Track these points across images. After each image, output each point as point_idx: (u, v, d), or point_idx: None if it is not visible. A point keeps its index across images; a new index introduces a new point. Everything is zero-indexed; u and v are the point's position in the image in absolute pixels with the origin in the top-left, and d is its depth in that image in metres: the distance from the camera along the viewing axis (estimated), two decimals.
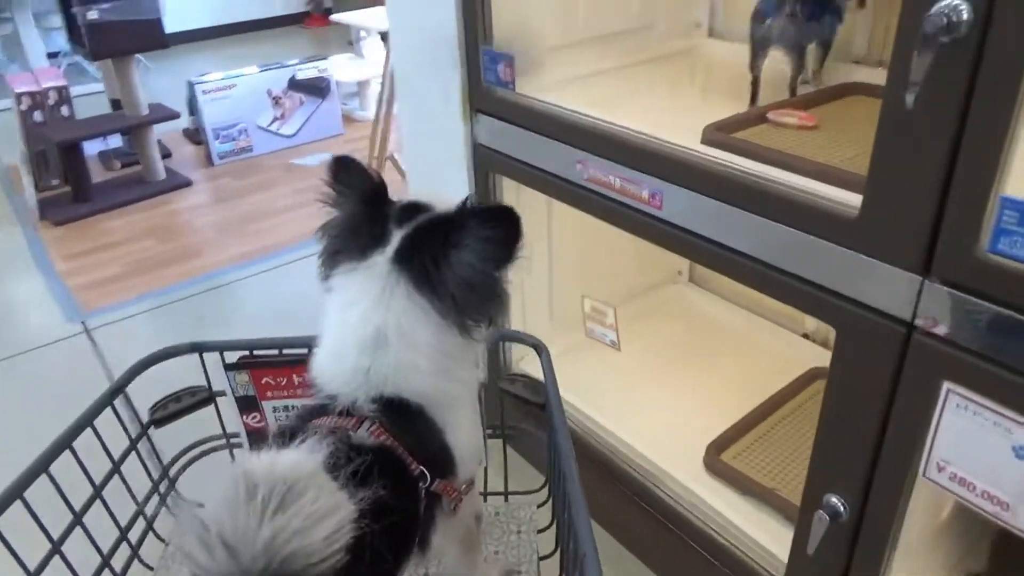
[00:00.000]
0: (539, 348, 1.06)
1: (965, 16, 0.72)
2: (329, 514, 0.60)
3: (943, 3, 0.73)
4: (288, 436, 0.73)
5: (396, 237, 0.83)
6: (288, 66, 3.94)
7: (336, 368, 0.83)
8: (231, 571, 0.56)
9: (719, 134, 1.15)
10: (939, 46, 0.74)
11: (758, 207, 1.02)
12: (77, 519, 0.93)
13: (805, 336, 1.85)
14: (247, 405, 1.07)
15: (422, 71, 1.59)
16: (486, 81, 1.43)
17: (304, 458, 0.65)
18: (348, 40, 5.54)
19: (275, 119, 3.90)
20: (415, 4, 1.54)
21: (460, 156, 1.58)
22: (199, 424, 1.12)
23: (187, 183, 3.56)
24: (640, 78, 1.58)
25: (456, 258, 0.81)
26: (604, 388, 1.67)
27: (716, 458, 1.49)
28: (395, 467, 0.78)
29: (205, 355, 1.07)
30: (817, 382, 1.69)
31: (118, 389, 0.99)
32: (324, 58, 4.03)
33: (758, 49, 1.35)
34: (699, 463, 1.49)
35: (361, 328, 0.81)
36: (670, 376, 1.73)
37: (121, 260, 2.89)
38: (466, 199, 0.84)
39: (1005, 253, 0.77)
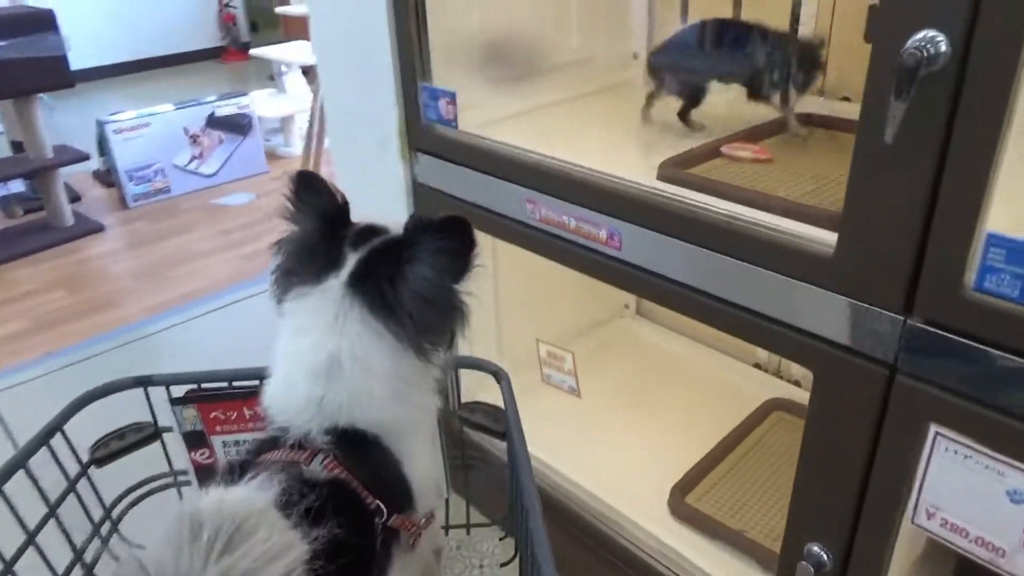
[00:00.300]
0: (499, 375, 1.03)
1: (943, 48, 0.69)
2: (280, 555, 0.57)
3: (919, 36, 0.70)
4: (238, 472, 0.70)
5: (351, 260, 0.81)
6: (206, 103, 3.78)
7: (288, 398, 0.80)
8: None
9: (675, 170, 1.11)
10: (916, 80, 0.71)
11: (726, 247, 0.97)
12: (7, 568, 0.88)
13: (757, 366, 1.82)
14: (195, 441, 1.04)
15: (355, 108, 1.51)
16: (426, 119, 1.36)
17: (254, 495, 0.63)
18: (269, 75, 5.40)
19: (193, 158, 3.73)
20: (345, 40, 1.46)
21: (400, 196, 1.50)
22: (145, 462, 1.06)
23: (99, 228, 3.34)
24: (584, 111, 1.54)
25: (411, 273, 0.79)
26: (558, 430, 1.59)
27: (681, 501, 1.43)
28: (350, 502, 0.75)
29: (150, 389, 1.02)
30: (775, 413, 1.66)
31: (54, 428, 0.93)
32: (244, 94, 3.89)
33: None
34: (663, 507, 1.43)
35: (314, 355, 0.79)
36: (626, 415, 1.68)
37: (27, 314, 2.67)
38: (413, 215, 0.80)
39: (992, 291, 0.74)
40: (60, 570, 0.95)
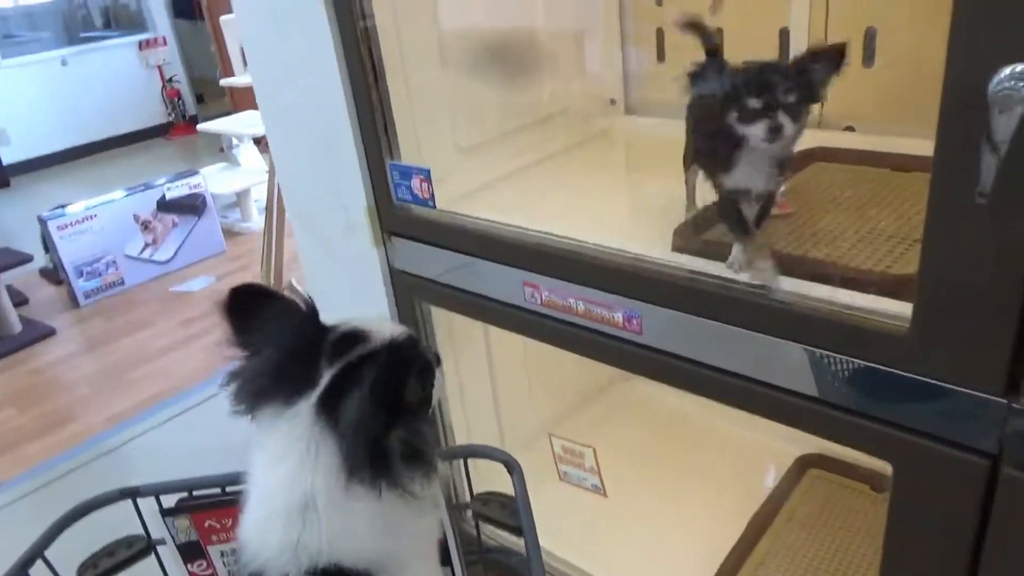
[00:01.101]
0: (510, 466, 0.95)
1: None
2: None
3: (1007, 72, 0.58)
4: None
5: (325, 377, 0.71)
6: (156, 186, 3.60)
7: (262, 539, 0.72)
8: None
9: (693, 238, 0.98)
10: (1008, 125, 0.58)
11: (772, 327, 0.84)
12: None
13: None
14: (191, 552, 0.98)
15: (317, 191, 1.36)
16: (398, 199, 1.22)
17: None
18: (219, 147, 5.25)
19: (146, 245, 3.54)
20: (298, 120, 1.32)
21: (377, 284, 1.35)
22: None
23: (49, 332, 3.13)
24: (569, 169, 1.41)
25: (350, 402, 0.69)
26: (575, 522, 1.43)
27: None
28: None
29: (139, 501, 0.96)
30: (809, 473, 1.52)
31: (34, 556, 0.86)
32: (195, 172, 3.72)
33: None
34: None
35: (286, 493, 0.70)
36: (647, 494, 1.52)
37: None
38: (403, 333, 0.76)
39: None
40: None
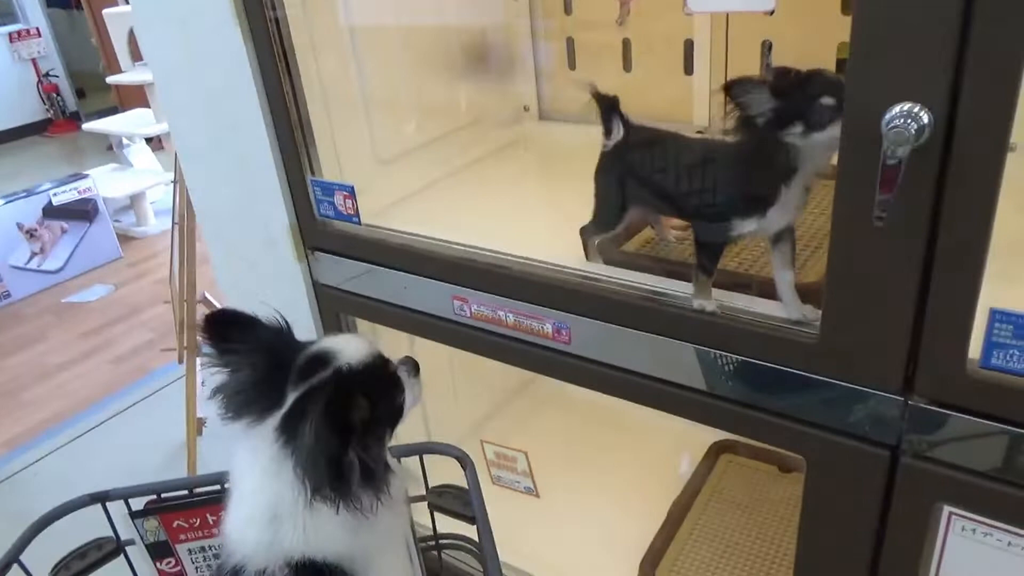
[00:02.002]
0: (463, 461, 1.01)
1: (925, 120, 0.63)
2: None
3: (896, 110, 0.64)
4: None
5: (289, 399, 0.77)
6: (40, 191, 3.39)
7: (242, 536, 0.79)
8: None
9: (615, 251, 1.03)
10: (900, 159, 0.65)
11: (693, 335, 0.89)
12: None
13: None
14: (160, 551, 1.03)
15: (235, 206, 1.33)
16: (321, 215, 1.21)
17: None
18: (107, 145, 4.97)
19: (33, 255, 3.33)
20: (213, 135, 1.29)
21: (299, 299, 1.33)
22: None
23: None
24: (488, 178, 1.44)
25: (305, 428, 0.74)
26: (508, 518, 1.46)
27: None
28: None
29: (109, 504, 1.00)
30: (722, 458, 1.62)
31: (8, 563, 0.90)
32: (84, 176, 3.52)
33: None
34: None
35: (255, 500, 0.78)
36: (576, 484, 1.57)
37: None
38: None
39: (1000, 367, 0.70)
40: None
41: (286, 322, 0.83)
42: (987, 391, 0.71)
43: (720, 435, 1.65)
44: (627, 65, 1.46)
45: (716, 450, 1.62)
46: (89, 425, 2.34)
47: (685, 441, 1.65)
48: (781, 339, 0.83)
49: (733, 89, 0.79)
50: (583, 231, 1.04)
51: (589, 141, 1.59)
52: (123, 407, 2.40)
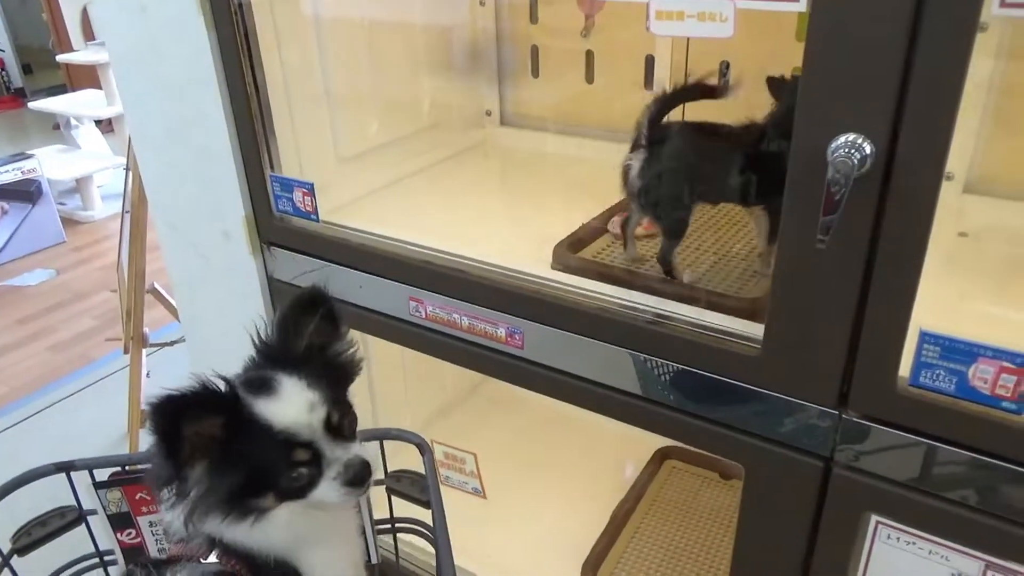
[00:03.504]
0: (422, 447, 1.03)
1: (867, 150, 0.67)
2: None
3: (840, 140, 0.68)
4: (151, 567, 0.73)
5: None
6: None
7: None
8: None
9: (570, 257, 1.05)
10: (842, 185, 0.68)
11: (641, 345, 0.92)
12: None
13: None
14: (121, 522, 1.04)
15: (190, 196, 1.32)
16: (279, 211, 1.21)
17: None
18: (53, 124, 4.81)
19: None
20: (172, 122, 1.27)
21: (254, 292, 1.32)
22: (69, 545, 1.04)
23: None
24: (447, 181, 1.44)
25: None
26: (454, 519, 1.48)
27: None
28: None
29: (73, 474, 1.01)
30: (666, 463, 1.65)
31: None
32: (29, 156, 3.41)
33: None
34: None
35: None
36: (519, 488, 1.59)
37: None
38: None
39: (928, 386, 0.74)
40: None
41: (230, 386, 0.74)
42: (915, 408, 0.75)
43: (665, 441, 1.68)
44: (589, 76, 1.49)
45: (660, 456, 1.66)
46: (27, 412, 2.27)
47: (631, 446, 1.68)
48: (724, 351, 0.86)
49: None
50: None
51: (547, 149, 1.62)
52: (63, 395, 2.33)
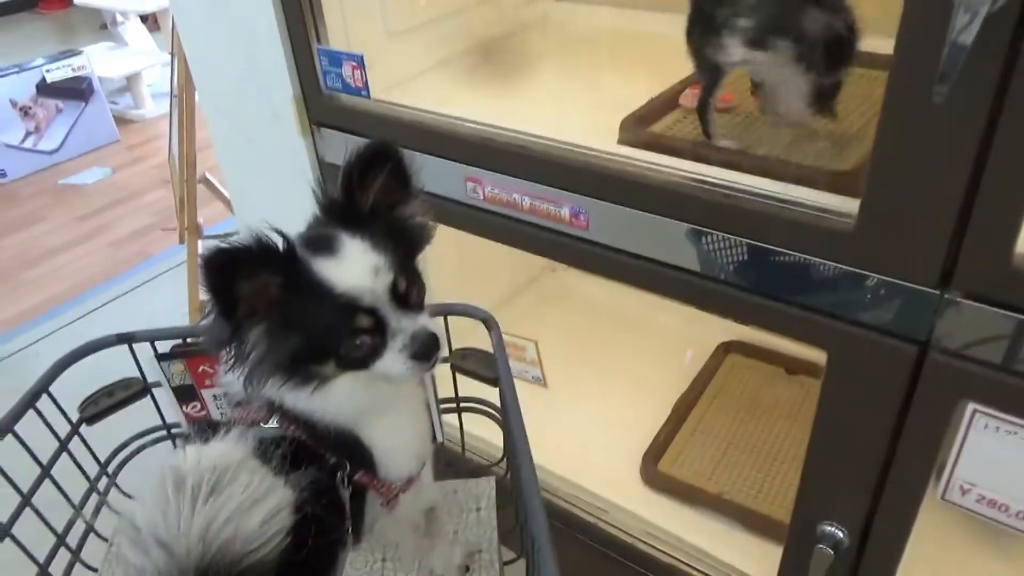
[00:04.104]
0: (488, 323, 0.98)
1: None
2: (264, 497, 0.59)
3: None
4: (212, 430, 0.69)
5: None
6: (33, 67, 3.26)
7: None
8: (168, 568, 0.55)
9: (639, 131, 0.97)
10: (970, 25, 0.59)
11: (718, 222, 0.85)
12: (5, 530, 0.87)
13: None
14: (185, 395, 1.03)
15: (237, 78, 1.26)
16: (328, 88, 1.15)
17: (230, 448, 0.64)
18: (100, 23, 4.76)
19: (28, 134, 3.23)
20: (213, 2, 1.20)
21: (304, 178, 1.28)
22: (136, 418, 1.05)
23: None
24: (503, 58, 1.36)
25: None
26: None
27: (654, 469, 1.36)
28: (310, 455, 0.73)
29: (135, 347, 1.00)
30: (729, 357, 1.61)
31: (38, 392, 0.93)
32: (78, 52, 3.38)
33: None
34: (636, 479, 1.35)
35: None
36: (581, 380, 1.57)
37: None
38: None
39: None
40: (59, 529, 0.95)
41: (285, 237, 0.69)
42: None
43: (728, 335, 1.63)
44: None
45: (723, 350, 1.61)
46: (90, 307, 2.33)
47: (692, 340, 1.64)
48: (811, 227, 0.79)
49: None
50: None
51: (608, 23, 1.51)
52: (124, 291, 2.38)
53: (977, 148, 0.65)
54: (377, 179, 0.71)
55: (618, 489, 1.33)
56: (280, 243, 0.65)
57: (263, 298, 0.65)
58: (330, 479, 0.74)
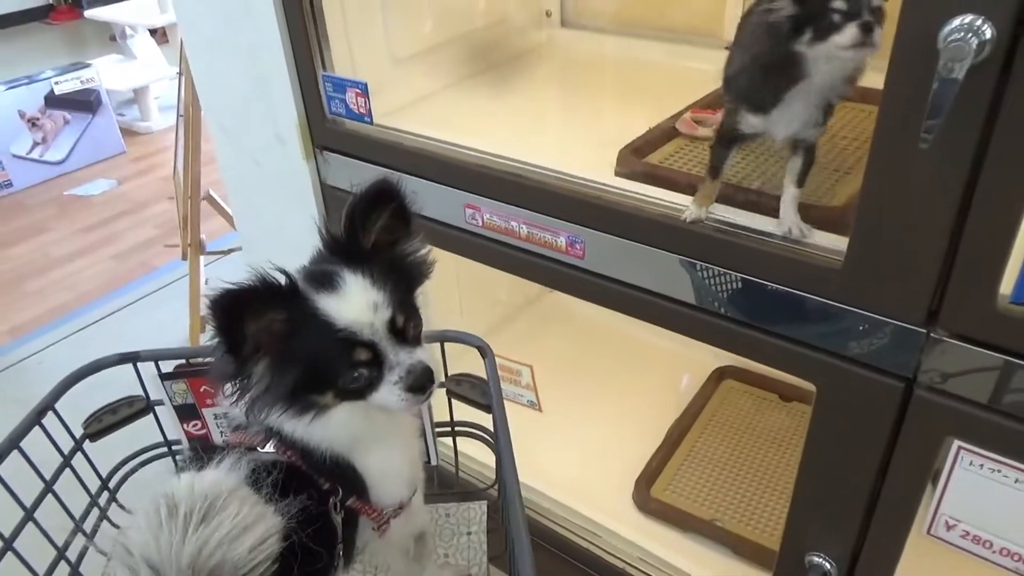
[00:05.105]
0: (483, 351, 1.01)
1: (987, 35, 0.59)
2: (253, 525, 0.61)
3: (956, 23, 0.59)
4: (208, 453, 0.72)
5: None
6: (42, 79, 3.30)
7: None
8: None
9: (636, 162, 0.99)
10: (954, 76, 0.60)
11: (711, 255, 0.87)
12: (8, 544, 0.89)
13: None
14: (187, 413, 1.06)
15: (242, 100, 1.29)
16: (332, 113, 1.17)
17: (223, 476, 0.66)
18: (110, 35, 4.81)
19: (35, 144, 3.27)
20: (222, 21, 1.22)
21: (306, 199, 1.30)
22: (137, 436, 1.07)
23: None
24: (507, 85, 1.38)
25: None
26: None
27: (646, 494, 1.37)
28: (303, 482, 0.75)
29: (140, 366, 1.03)
30: (724, 383, 1.62)
31: (45, 408, 0.95)
32: (87, 65, 3.42)
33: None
34: (628, 503, 1.36)
35: None
36: (576, 402, 1.58)
37: None
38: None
39: None
40: (60, 543, 0.96)
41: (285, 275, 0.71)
42: (1016, 327, 0.69)
43: (722, 360, 1.64)
44: None
45: (718, 375, 1.62)
46: (93, 318, 2.34)
47: (688, 366, 1.65)
48: (802, 263, 0.80)
49: None
50: None
51: (613, 53, 1.53)
52: (127, 302, 2.40)
53: (962, 192, 0.66)
54: (380, 218, 0.73)
55: (611, 514, 1.33)
56: (283, 280, 0.68)
57: (268, 334, 0.67)
58: (322, 505, 0.75)
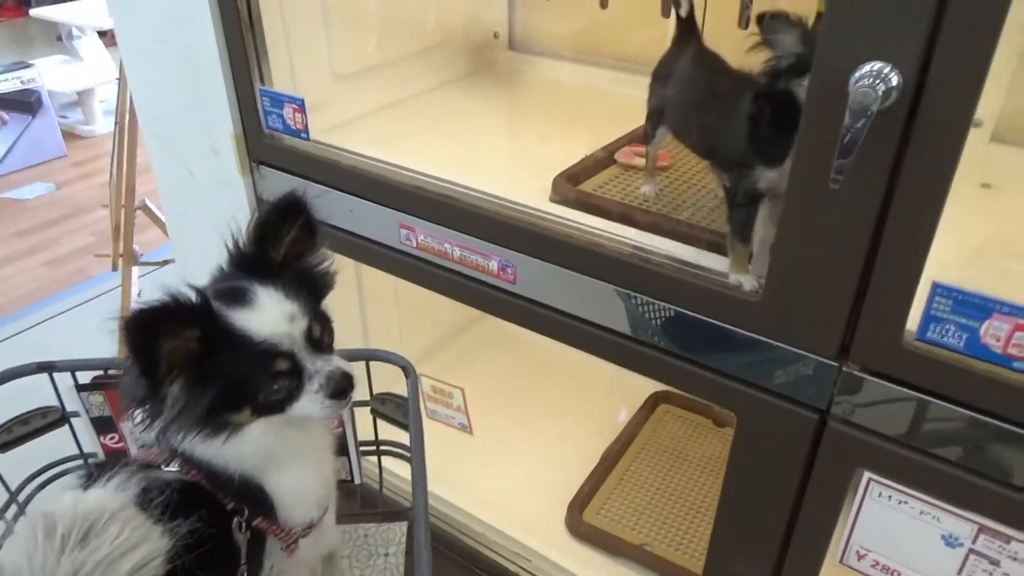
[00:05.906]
0: (407, 370, 1.02)
1: (894, 82, 0.61)
2: (134, 548, 0.60)
3: (865, 69, 0.62)
4: (97, 474, 0.71)
5: None
6: None
7: None
8: None
9: (570, 190, 1.00)
10: (862, 119, 0.63)
11: (638, 284, 0.88)
12: None
13: None
14: (104, 426, 1.03)
15: (178, 111, 1.26)
16: (269, 127, 1.15)
17: (108, 496, 0.65)
18: (56, 35, 4.69)
19: None
20: (158, 27, 1.20)
21: (242, 213, 1.27)
22: (59, 447, 1.05)
23: None
24: (451, 106, 1.38)
25: None
26: (442, 453, 1.46)
27: (579, 519, 1.37)
28: (207, 501, 0.74)
29: (55, 376, 1.00)
30: (660, 407, 1.63)
31: None
32: (29, 65, 3.32)
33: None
34: (561, 527, 1.36)
35: None
36: (511, 425, 1.58)
37: None
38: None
39: (935, 341, 0.70)
40: None
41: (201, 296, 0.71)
42: (920, 363, 0.71)
43: (659, 386, 1.66)
44: (604, 1, 1.41)
45: (654, 400, 1.64)
46: (21, 326, 2.26)
47: (624, 390, 1.66)
48: (722, 295, 0.82)
49: (766, 23, 0.72)
50: None
51: (557, 76, 1.55)
52: (58, 311, 2.32)
53: (871, 231, 0.68)
54: (290, 231, 0.73)
55: (542, 538, 1.33)
56: (195, 297, 0.66)
57: (181, 353, 0.66)
58: (220, 525, 0.73)
